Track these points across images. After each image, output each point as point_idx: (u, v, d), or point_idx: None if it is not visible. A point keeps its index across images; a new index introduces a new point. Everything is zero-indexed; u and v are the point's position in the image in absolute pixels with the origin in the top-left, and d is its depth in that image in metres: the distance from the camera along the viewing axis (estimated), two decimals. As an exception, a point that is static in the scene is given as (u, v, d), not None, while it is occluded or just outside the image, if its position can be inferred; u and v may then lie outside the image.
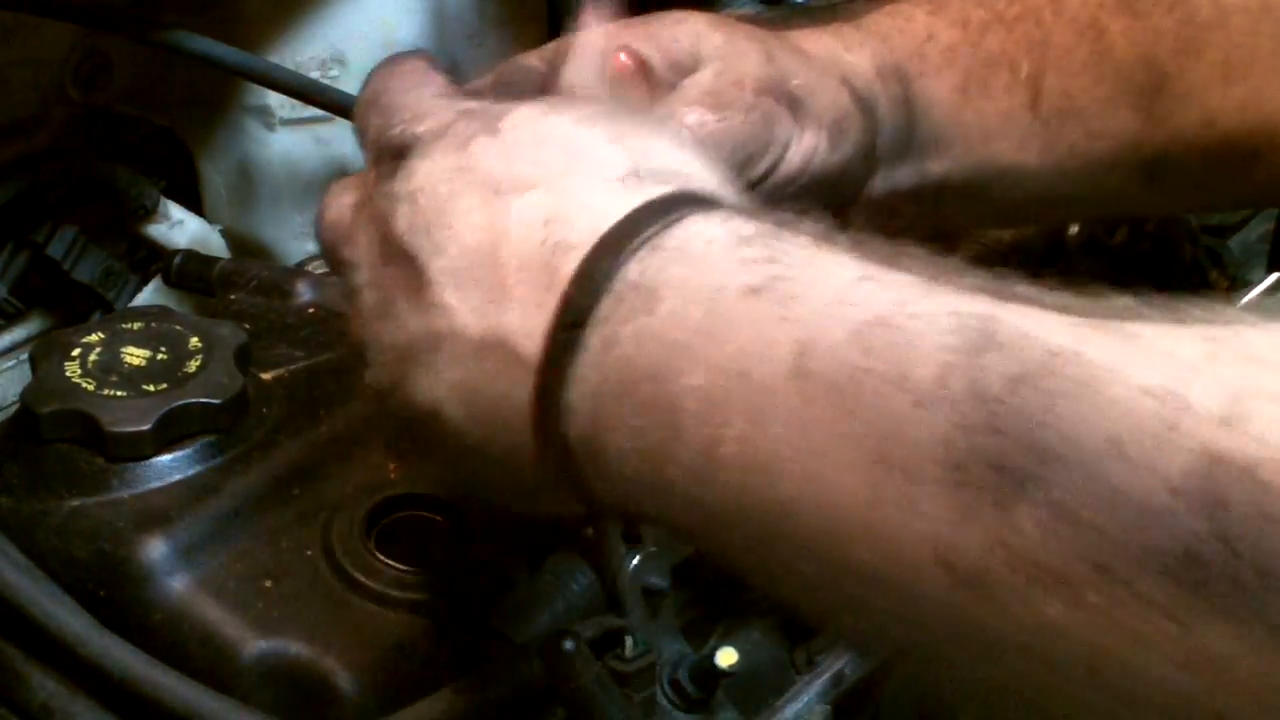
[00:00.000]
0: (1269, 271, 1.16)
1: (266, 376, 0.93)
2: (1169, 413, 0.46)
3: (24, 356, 1.04)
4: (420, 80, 0.72)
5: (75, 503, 0.84)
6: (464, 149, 0.66)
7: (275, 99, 1.21)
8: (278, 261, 1.24)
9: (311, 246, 1.24)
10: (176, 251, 1.17)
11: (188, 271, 1.14)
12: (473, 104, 0.69)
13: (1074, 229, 1.12)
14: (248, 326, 0.93)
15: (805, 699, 0.89)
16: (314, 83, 1.17)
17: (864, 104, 0.85)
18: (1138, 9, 0.90)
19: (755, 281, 0.56)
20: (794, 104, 0.81)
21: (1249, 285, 1.11)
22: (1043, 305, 0.51)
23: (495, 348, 0.62)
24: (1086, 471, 0.47)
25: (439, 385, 0.64)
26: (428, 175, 0.66)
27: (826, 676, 0.91)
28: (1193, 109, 0.89)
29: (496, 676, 0.78)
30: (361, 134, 0.72)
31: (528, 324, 0.61)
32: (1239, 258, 1.20)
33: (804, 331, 0.54)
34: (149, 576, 0.81)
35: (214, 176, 1.26)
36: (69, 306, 1.18)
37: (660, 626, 0.86)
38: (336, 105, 1.17)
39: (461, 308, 0.63)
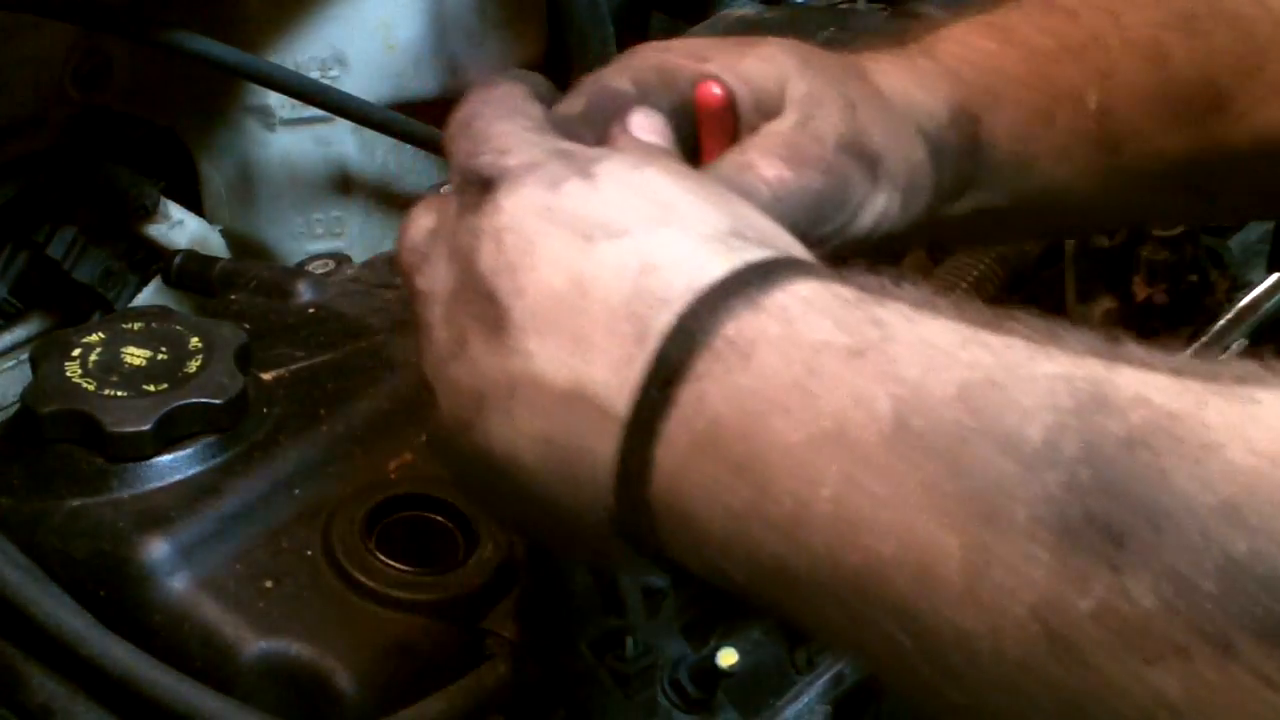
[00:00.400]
0: (1269, 271, 1.16)
1: (267, 377, 0.93)
2: None
3: (24, 356, 1.04)
4: (515, 109, 0.70)
5: (76, 503, 0.84)
6: (555, 189, 0.64)
7: (275, 99, 1.21)
8: (278, 261, 1.24)
9: (311, 246, 1.25)
10: (176, 251, 1.17)
11: (188, 271, 1.14)
12: (566, 144, 0.68)
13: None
14: (248, 326, 0.93)
15: (805, 699, 0.90)
16: (314, 83, 1.18)
17: (935, 155, 0.83)
18: (1198, 28, 0.89)
19: (856, 343, 0.55)
20: (871, 163, 0.79)
21: (1249, 285, 1.11)
22: (1156, 368, 0.51)
23: (579, 400, 0.60)
24: (1204, 538, 0.46)
25: (516, 432, 0.62)
26: (514, 213, 0.64)
27: (826, 676, 0.91)
28: (1245, 126, 0.89)
29: (496, 676, 0.78)
30: (449, 156, 0.70)
31: (615, 378, 0.59)
32: (1239, 258, 1.20)
33: (906, 390, 0.53)
34: (149, 577, 0.81)
35: (214, 176, 1.26)
36: (69, 306, 1.18)
37: (660, 626, 0.86)
38: (336, 105, 1.18)
39: (543, 354, 0.61)
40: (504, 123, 0.69)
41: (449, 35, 1.27)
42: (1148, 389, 0.49)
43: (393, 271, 1.08)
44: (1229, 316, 1.08)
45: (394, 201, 1.29)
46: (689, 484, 0.57)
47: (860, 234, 0.79)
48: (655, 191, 0.64)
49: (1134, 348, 0.52)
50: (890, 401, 0.53)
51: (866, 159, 0.79)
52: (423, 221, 0.70)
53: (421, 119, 1.22)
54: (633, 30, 1.38)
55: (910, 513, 0.51)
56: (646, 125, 0.74)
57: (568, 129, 0.73)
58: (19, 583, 0.79)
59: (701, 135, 0.79)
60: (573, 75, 1.17)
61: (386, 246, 1.18)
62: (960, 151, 0.85)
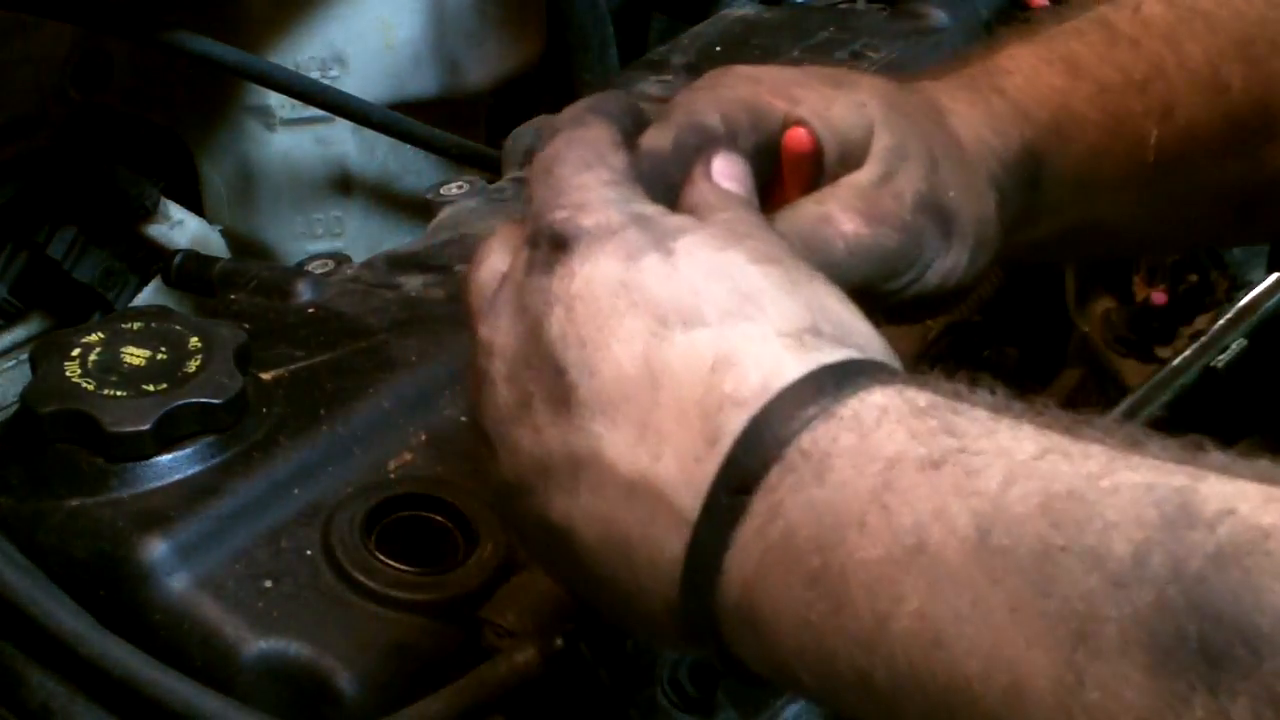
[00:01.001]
0: (1269, 271, 1.16)
1: (266, 376, 0.92)
2: None
3: (24, 356, 1.04)
4: (599, 157, 0.68)
5: (75, 503, 0.84)
6: (633, 263, 0.63)
7: (275, 99, 1.21)
8: (278, 261, 1.24)
9: (311, 246, 1.25)
10: (176, 251, 1.17)
11: (187, 271, 1.14)
12: (647, 208, 0.66)
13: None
14: (247, 326, 0.93)
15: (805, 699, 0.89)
16: (314, 83, 1.18)
17: (1002, 201, 0.83)
18: (1254, 54, 0.88)
19: (932, 454, 0.54)
20: (946, 222, 0.79)
21: (1249, 285, 1.11)
22: (1240, 475, 0.50)
23: (646, 494, 0.60)
24: None
25: (576, 509, 0.62)
26: (589, 282, 0.63)
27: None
28: None
29: (496, 675, 0.78)
30: (527, 201, 0.68)
31: (685, 476, 0.59)
32: (1239, 258, 1.20)
33: (987, 505, 0.52)
34: (149, 576, 0.81)
35: (214, 176, 1.26)
36: (69, 306, 1.18)
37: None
38: (336, 105, 1.18)
39: (610, 438, 0.61)
40: (586, 174, 0.67)
41: (449, 35, 1.27)
42: (1234, 500, 0.49)
43: (392, 270, 1.08)
44: (1229, 316, 1.08)
45: (394, 201, 1.29)
46: (761, 593, 0.57)
47: (928, 290, 0.80)
48: (735, 279, 0.62)
49: (1216, 454, 0.52)
50: (970, 516, 0.52)
51: (942, 218, 0.79)
52: (493, 262, 0.68)
53: (421, 119, 1.22)
54: (633, 30, 1.38)
55: (997, 630, 0.51)
56: (728, 172, 0.72)
57: (656, 166, 0.72)
58: (19, 583, 0.79)
59: (784, 177, 0.78)
60: (574, 75, 1.18)
61: (386, 246, 1.18)
62: (1021, 190, 0.85)
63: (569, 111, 0.72)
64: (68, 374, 0.87)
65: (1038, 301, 1.12)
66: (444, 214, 1.16)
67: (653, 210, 0.66)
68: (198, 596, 0.81)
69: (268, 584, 0.82)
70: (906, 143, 0.79)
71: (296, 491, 0.86)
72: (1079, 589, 0.49)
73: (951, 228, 0.79)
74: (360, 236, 1.27)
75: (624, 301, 0.62)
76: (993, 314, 1.09)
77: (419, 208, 1.24)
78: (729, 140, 0.75)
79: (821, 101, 0.79)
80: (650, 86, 1.19)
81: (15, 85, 1.11)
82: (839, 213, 0.76)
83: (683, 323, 0.61)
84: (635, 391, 0.60)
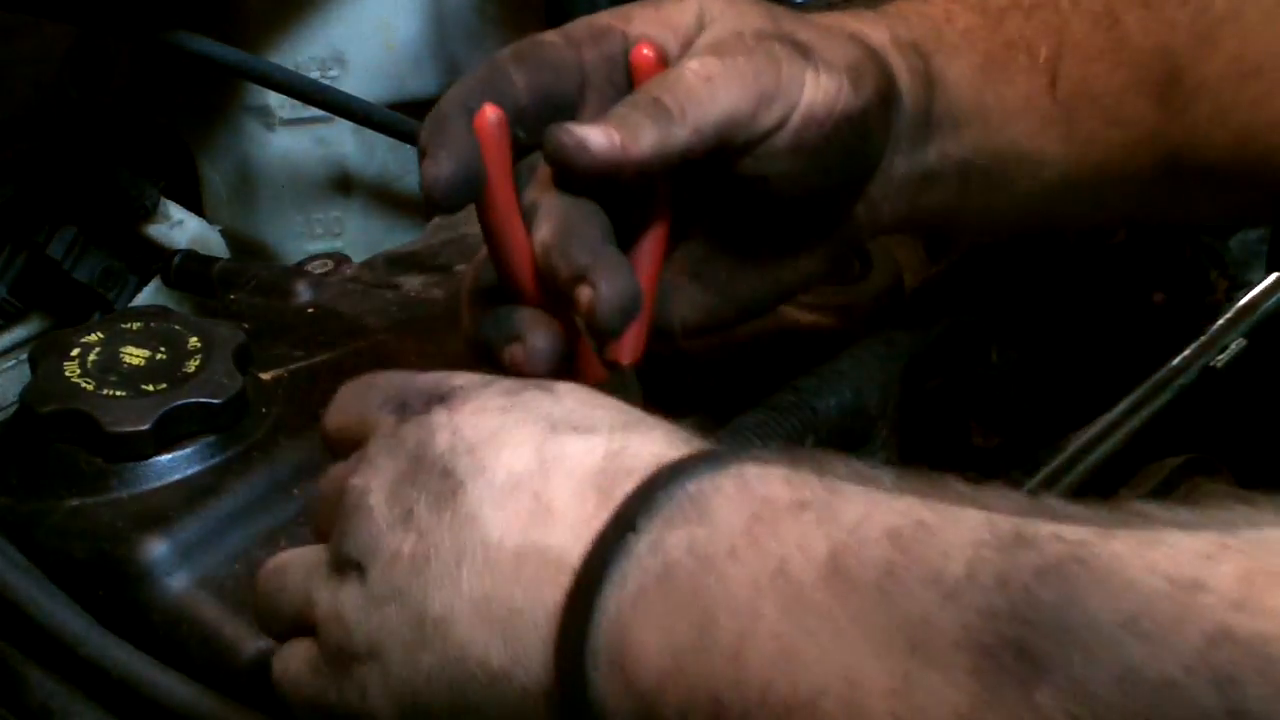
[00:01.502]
0: (1269, 271, 1.16)
1: (266, 376, 0.93)
2: (1184, 594, 0.48)
3: (24, 356, 1.04)
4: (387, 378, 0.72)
5: (74, 503, 0.84)
6: (515, 395, 0.66)
7: (275, 99, 1.21)
8: (278, 261, 1.24)
9: (311, 246, 1.25)
10: (176, 251, 1.17)
11: (187, 271, 1.14)
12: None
13: (1074, 229, 1.12)
14: (247, 326, 0.93)
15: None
16: (314, 83, 1.17)
17: (878, 60, 0.84)
18: (1152, 1, 0.90)
19: (803, 498, 0.58)
20: (802, 50, 0.81)
21: (1249, 285, 1.11)
22: (1073, 516, 0.53)
23: (534, 557, 0.61)
24: (1105, 651, 0.48)
25: (458, 597, 0.62)
26: (475, 411, 0.65)
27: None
28: (1207, 102, 0.89)
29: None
30: (361, 416, 0.70)
31: (575, 536, 0.61)
32: (1239, 258, 1.20)
33: (842, 534, 0.56)
34: (148, 576, 0.81)
35: (214, 176, 1.26)
36: (69, 306, 1.18)
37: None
38: (336, 105, 1.18)
39: (499, 520, 0.62)
40: (403, 376, 0.70)
41: (449, 35, 1.27)
42: (1063, 530, 0.52)
43: (391, 270, 1.08)
44: (1228, 316, 1.08)
45: (394, 201, 1.29)
46: (633, 624, 0.58)
47: (816, 112, 0.80)
48: (618, 407, 0.67)
49: (1055, 501, 0.55)
50: (827, 543, 0.55)
51: (795, 45, 0.81)
52: (352, 414, 0.71)
53: (421, 119, 1.22)
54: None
55: (840, 644, 0.53)
56: (493, 117, 0.76)
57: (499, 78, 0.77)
58: (18, 582, 0.80)
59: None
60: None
61: (386, 246, 1.18)
62: (911, 76, 0.86)
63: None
64: (67, 374, 0.87)
65: (1037, 301, 1.12)
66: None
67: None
68: (197, 596, 0.81)
69: (267, 584, 0.82)
70: (740, 6, 0.82)
71: (296, 492, 0.86)
72: (915, 604, 0.52)
73: (810, 55, 0.81)
74: (360, 236, 1.27)
75: (512, 418, 0.65)
76: (992, 314, 1.09)
77: (419, 208, 1.24)
78: (568, 47, 0.80)
79: (649, 10, 0.83)
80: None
81: (15, 85, 1.11)
82: (686, 60, 0.79)
83: (574, 429, 0.64)
84: (527, 480, 0.63)
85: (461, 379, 0.68)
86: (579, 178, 0.76)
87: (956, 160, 0.89)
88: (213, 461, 0.86)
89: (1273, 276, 1.10)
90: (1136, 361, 1.07)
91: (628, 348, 0.79)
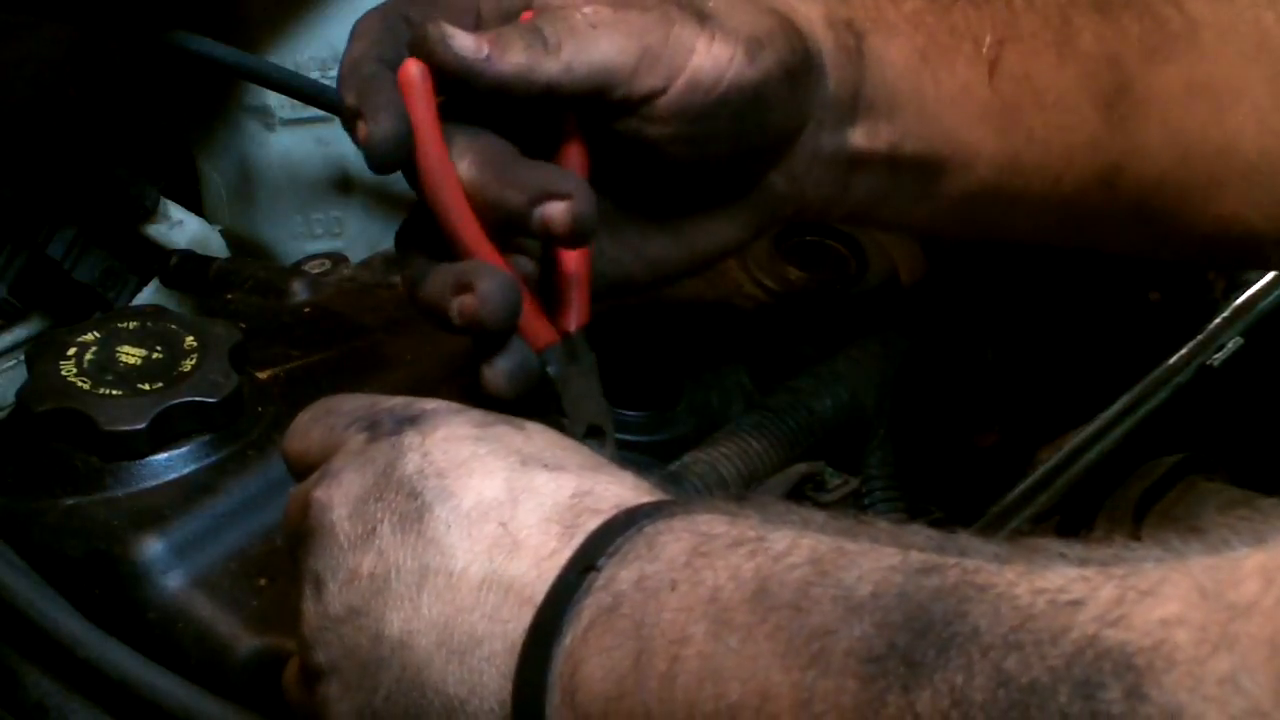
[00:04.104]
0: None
1: (262, 375, 0.93)
2: (1063, 613, 0.50)
3: (24, 356, 1.04)
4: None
5: (70, 501, 0.84)
6: (488, 428, 0.67)
7: (275, 99, 1.21)
8: (277, 261, 1.24)
9: (311, 246, 1.25)
10: (174, 251, 1.17)
11: (184, 271, 1.14)
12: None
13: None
14: (243, 325, 0.93)
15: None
16: (314, 83, 1.18)
17: (796, 32, 0.83)
18: (1107, 10, 0.89)
19: (741, 534, 0.60)
20: (702, 17, 0.80)
21: (1245, 284, 1.11)
22: (981, 551, 0.55)
23: (497, 587, 0.62)
24: (983, 659, 0.50)
25: (417, 618, 0.63)
26: (446, 438, 0.66)
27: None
28: (1154, 118, 0.88)
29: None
30: (324, 441, 0.72)
31: (538, 569, 0.62)
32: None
33: (768, 562, 0.58)
34: (144, 575, 0.81)
35: (214, 176, 1.26)
36: (69, 306, 1.18)
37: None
38: (336, 105, 1.18)
39: (463, 549, 0.63)
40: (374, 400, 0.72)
41: (448, 35, 1.27)
42: (967, 560, 0.54)
43: (388, 270, 1.08)
44: (1224, 315, 1.08)
45: (394, 201, 1.29)
46: (584, 653, 0.60)
47: (703, 79, 0.80)
48: (587, 453, 0.68)
49: (967, 539, 0.57)
50: (755, 572, 0.58)
51: (695, 11, 0.80)
52: (315, 435, 0.72)
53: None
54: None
55: (755, 659, 0.55)
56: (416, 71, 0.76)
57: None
58: (14, 582, 0.80)
59: None
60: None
61: (386, 246, 1.18)
62: (841, 52, 0.85)
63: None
64: (63, 373, 0.87)
65: (1034, 301, 1.12)
66: (442, 213, 1.16)
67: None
68: (192, 595, 0.81)
69: (262, 582, 0.82)
70: None
71: (291, 490, 0.86)
72: (823, 618, 0.55)
73: (709, 23, 0.80)
74: (360, 236, 1.27)
75: (484, 447, 0.66)
76: (989, 314, 1.09)
77: (418, 207, 1.24)
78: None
79: None
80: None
81: (15, 85, 1.11)
82: (582, 2, 0.79)
83: (544, 466, 0.65)
84: (495, 508, 0.64)
85: (432, 404, 0.69)
86: (447, 80, 0.76)
87: (887, 144, 0.87)
88: (208, 460, 0.87)
89: (1269, 275, 1.10)
90: (1133, 360, 1.07)
91: (576, 312, 0.79)
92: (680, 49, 0.80)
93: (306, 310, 1.02)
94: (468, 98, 0.78)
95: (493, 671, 0.61)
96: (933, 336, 1.05)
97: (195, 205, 1.25)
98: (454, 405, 0.69)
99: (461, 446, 0.66)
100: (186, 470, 0.86)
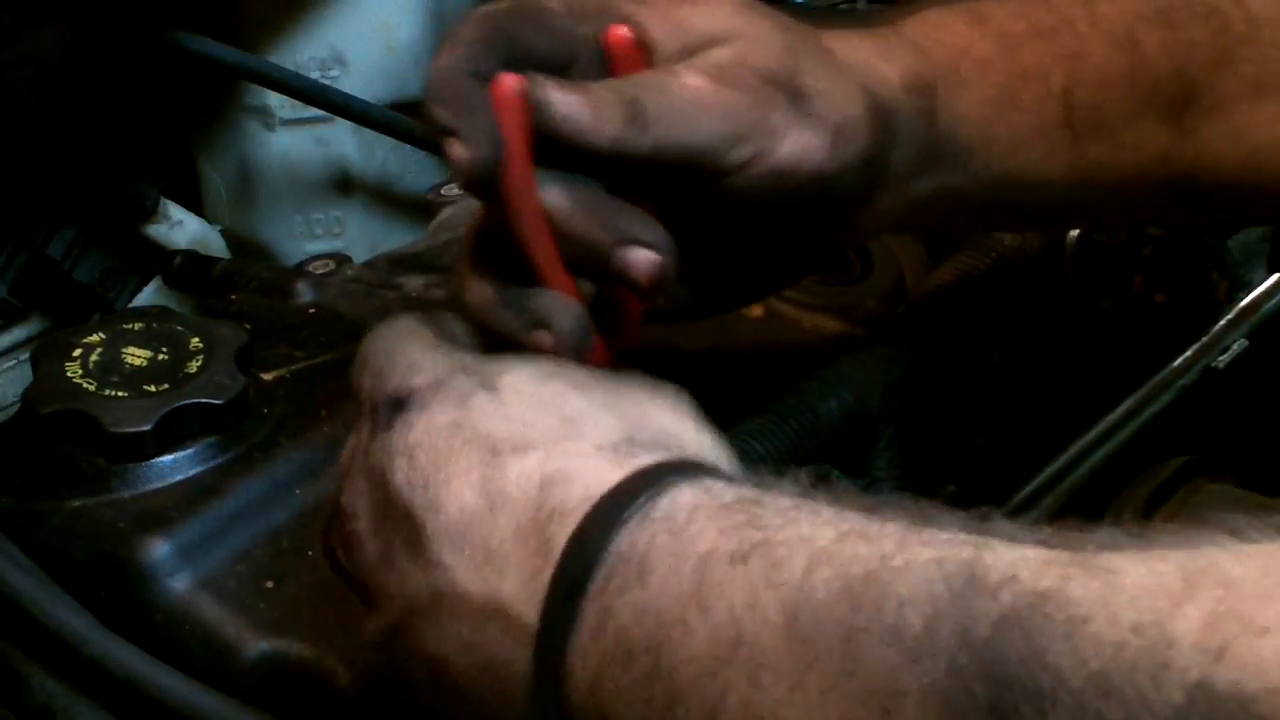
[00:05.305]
0: (1269, 272, 1.16)
1: (268, 377, 0.93)
2: (1156, 648, 0.47)
3: (24, 357, 1.04)
4: (408, 334, 0.72)
5: (76, 503, 0.84)
6: (463, 405, 0.66)
7: (275, 99, 1.21)
8: (277, 261, 1.24)
9: (311, 246, 1.25)
10: (176, 252, 1.17)
11: (188, 272, 1.14)
12: (468, 357, 0.70)
13: (1074, 231, 1.11)
14: (248, 327, 0.93)
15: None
16: (314, 83, 1.17)
17: (881, 114, 0.83)
18: (1173, 20, 0.89)
19: (740, 548, 0.57)
20: (798, 99, 0.79)
21: (1249, 285, 1.11)
22: (1023, 542, 0.53)
23: (495, 614, 0.62)
24: (1081, 711, 0.47)
25: (445, 640, 0.64)
26: (425, 430, 0.66)
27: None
28: (1221, 123, 0.89)
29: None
30: (355, 393, 0.72)
31: (526, 592, 0.62)
32: (1239, 258, 1.20)
33: (793, 593, 0.55)
34: (150, 577, 0.81)
35: (214, 176, 1.26)
36: (69, 306, 1.18)
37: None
38: (336, 105, 1.18)
39: (459, 567, 0.63)
40: (400, 346, 0.71)
41: (449, 35, 1.26)
42: (1015, 567, 0.51)
43: (393, 271, 1.08)
44: (1229, 317, 1.08)
45: (394, 201, 1.29)
46: (605, 693, 0.59)
47: (783, 166, 0.79)
48: (559, 405, 0.66)
49: (1003, 523, 0.55)
50: (779, 605, 0.55)
51: (792, 93, 0.79)
52: (350, 439, 0.72)
53: (421, 119, 1.22)
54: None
55: (811, 712, 0.53)
56: (514, 86, 0.73)
57: (499, 30, 0.74)
58: (20, 583, 0.79)
59: (614, 72, 0.78)
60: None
61: (386, 246, 1.18)
62: (916, 122, 0.85)
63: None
64: (69, 374, 0.87)
65: (1037, 302, 1.12)
66: (444, 214, 1.16)
67: (474, 358, 0.70)
68: (199, 597, 0.81)
69: (268, 584, 0.82)
70: (761, 33, 0.80)
71: (298, 492, 0.86)
72: (881, 666, 0.52)
73: (803, 106, 0.79)
74: (360, 237, 1.27)
75: (458, 440, 0.65)
76: (994, 315, 1.09)
77: (419, 208, 1.24)
78: (569, 17, 0.77)
79: (668, 3, 0.80)
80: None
81: (15, 85, 1.11)
82: (684, 71, 0.77)
83: (513, 449, 0.64)
84: (476, 520, 0.63)
85: (420, 378, 0.68)
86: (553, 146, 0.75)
87: (953, 189, 0.88)
88: (214, 462, 0.86)
89: (1274, 277, 1.10)
90: (1137, 362, 1.07)
91: (628, 337, 0.78)
92: (770, 135, 0.78)
93: (311, 311, 1.02)
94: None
95: (517, 692, 0.62)
96: (938, 338, 1.05)
97: (195, 205, 1.25)
98: (440, 373, 0.69)
99: (439, 440, 0.66)
100: (192, 472, 0.86)
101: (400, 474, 0.66)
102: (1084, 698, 0.47)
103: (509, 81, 0.73)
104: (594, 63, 0.78)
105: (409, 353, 0.70)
